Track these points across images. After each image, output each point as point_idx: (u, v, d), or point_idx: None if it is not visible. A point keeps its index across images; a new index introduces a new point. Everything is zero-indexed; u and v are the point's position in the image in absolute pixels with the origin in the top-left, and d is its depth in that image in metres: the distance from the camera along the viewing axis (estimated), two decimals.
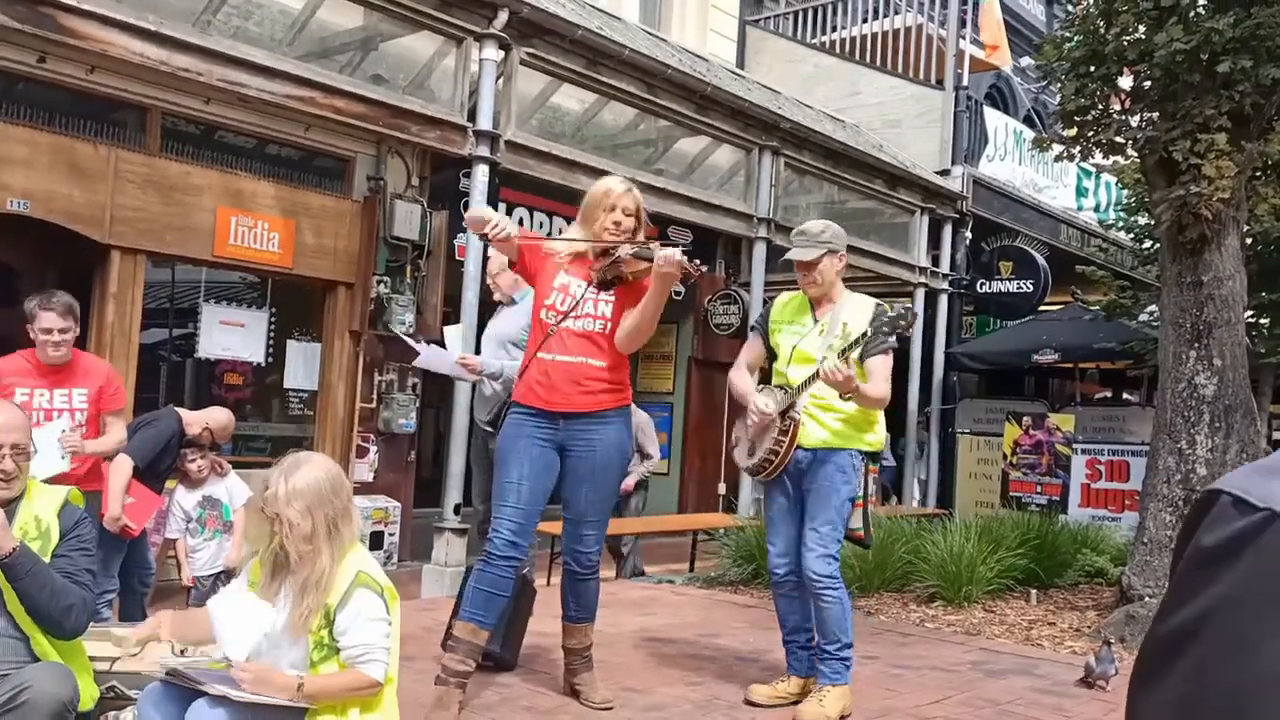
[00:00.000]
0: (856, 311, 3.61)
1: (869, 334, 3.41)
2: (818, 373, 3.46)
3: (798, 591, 3.68)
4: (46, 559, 2.55)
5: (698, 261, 3.34)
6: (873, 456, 3.68)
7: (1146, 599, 5.45)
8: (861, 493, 3.61)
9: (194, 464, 5.01)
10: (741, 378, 3.76)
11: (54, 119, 6.35)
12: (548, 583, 6.10)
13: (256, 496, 2.57)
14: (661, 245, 3.31)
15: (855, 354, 3.39)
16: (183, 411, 4.92)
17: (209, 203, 6.91)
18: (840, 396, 3.44)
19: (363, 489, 7.61)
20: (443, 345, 5.66)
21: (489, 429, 4.60)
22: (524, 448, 3.35)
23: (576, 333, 3.37)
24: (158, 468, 4.71)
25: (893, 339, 3.49)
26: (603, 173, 7.91)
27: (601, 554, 3.61)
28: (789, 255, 3.71)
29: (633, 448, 6.97)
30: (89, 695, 2.62)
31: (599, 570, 3.59)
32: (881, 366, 3.51)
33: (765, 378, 3.82)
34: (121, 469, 4.48)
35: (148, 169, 6.65)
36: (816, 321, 3.65)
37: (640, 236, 3.44)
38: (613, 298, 3.40)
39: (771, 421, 3.56)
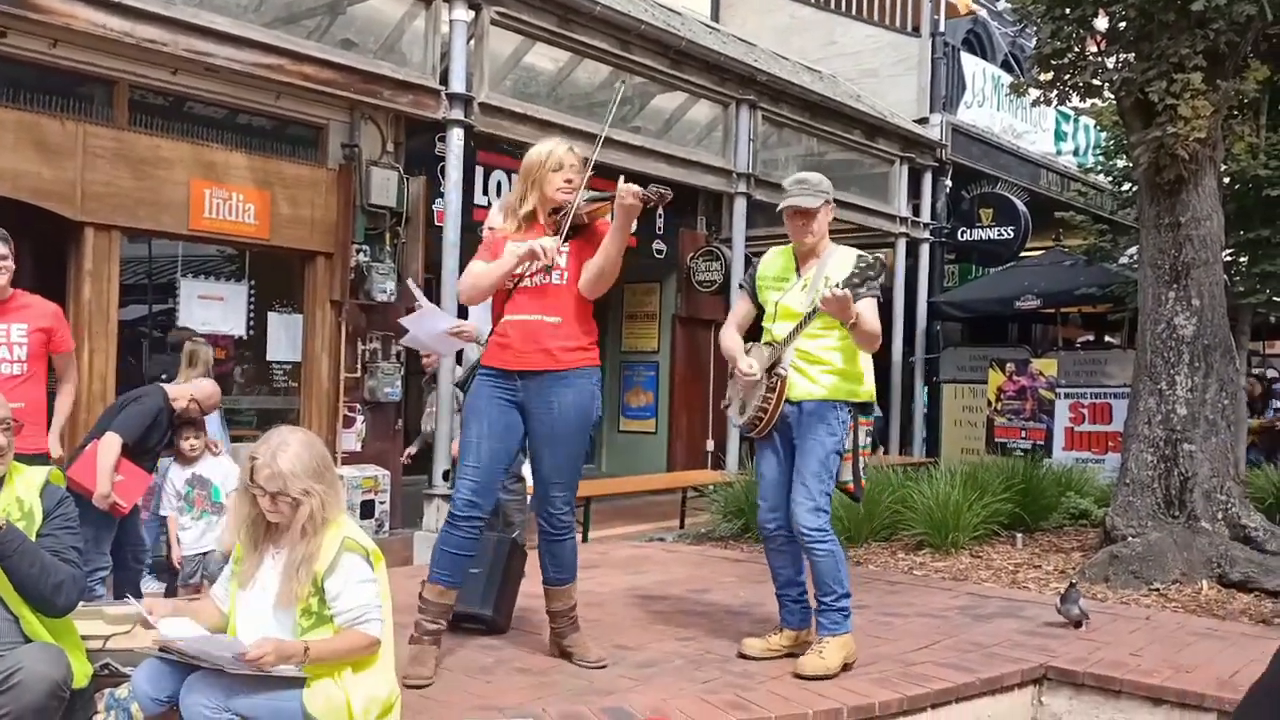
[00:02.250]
0: (840, 264, 3.59)
1: (854, 275, 3.37)
2: (800, 325, 3.47)
3: (788, 546, 3.70)
4: (32, 540, 2.55)
5: (655, 186, 3.30)
6: (863, 408, 3.66)
7: (1130, 539, 5.53)
8: (850, 445, 3.61)
9: (187, 442, 5.00)
10: (730, 337, 3.75)
11: (19, 95, 6.24)
12: None
13: (244, 477, 2.57)
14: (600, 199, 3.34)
15: (841, 286, 3.35)
16: (168, 387, 4.90)
17: (181, 176, 6.82)
18: (842, 324, 3.42)
19: (351, 458, 7.62)
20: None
21: (459, 391, 4.60)
22: (484, 408, 3.38)
23: (532, 290, 3.36)
24: (146, 444, 4.69)
25: (875, 288, 3.45)
26: (579, 132, 7.86)
27: (574, 514, 3.63)
28: (790, 202, 3.60)
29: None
30: (82, 673, 2.63)
31: (573, 530, 3.61)
32: (870, 308, 3.50)
33: (757, 335, 3.81)
34: (110, 446, 4.46)
35: (117, 143, 6.56)
36: (800, 276, 3.63)
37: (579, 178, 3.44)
38: (567, 248, 3.38)
39: (759, 379, 3.56)
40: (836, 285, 3.35)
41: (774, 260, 3.76)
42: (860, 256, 3.59)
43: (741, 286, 3.90)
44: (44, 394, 4.14)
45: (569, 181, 3.39)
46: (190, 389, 4.94)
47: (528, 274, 3.35)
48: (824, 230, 3.65)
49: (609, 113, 3.59)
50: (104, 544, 4.61)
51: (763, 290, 3.73)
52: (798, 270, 3.66)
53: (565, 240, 3.36)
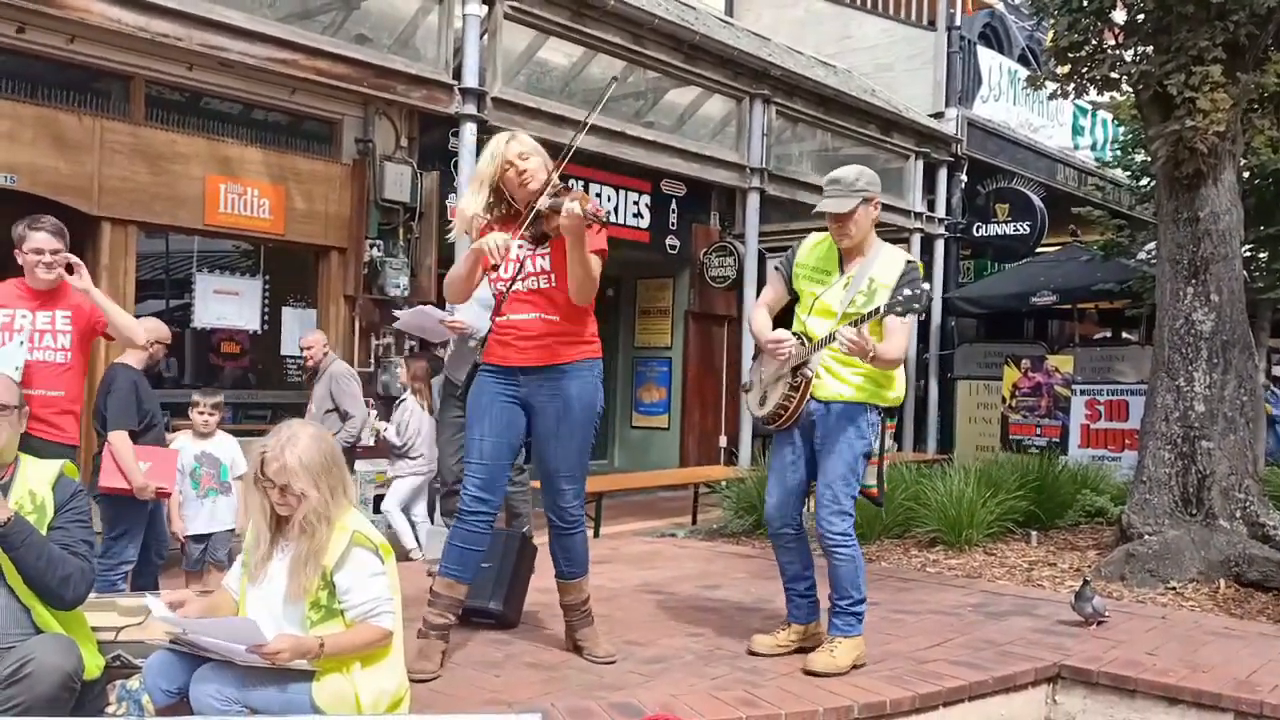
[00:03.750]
0: (887, 267, 3.46)
1: (883, 308, 3.27)
2: (826, 340, 3.37)
3: (795, 543, 3.66)
4: (43, 533, 2.56)
5: (594, 207, 3.18)
6: (889, 412, 3.57)
7: (1146, 537, 5.49)
8: (878, 449, 3.52)
9: (201, 416, 5.02)
10: (760, 317, 3.64)
11: (37, 91, 6.29)
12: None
13: (254, 471, 2.57)
14: (567, 193, 3.26)
15: (871, 320, 3.27)
16: (123, 357, 4.81)
17: (197, 171, 6.86)
18: (864, 359, 3.33)
19: (364, 453, 7.64)
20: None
21: (457, 392, 4.65)
22: (487, 404, 3.43)
23: (525, 292, 3.38)
24: (145, 418, 4.69)
25: (916, 306, 3.30)
26: (591, 126, 7.84)
27: (584, 507, 3.64)
28: (820, 208, 3.52)
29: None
30: (94, 665, 2.65)
31: (584, 523, 3.62)
32: (901, 326, 3.38)
33: (787, 319, 3.68)
34: (120, 443, 4.47)
35: (134, 138, 6.60)
36: (844, 273, 3.51)
37: (544, 170, 3.36)
38: (548, 250, 3.37)
39: (783, 374, 3.48)
40: (859, 321, 3.26)
41: (815, 249, 3.62)
42: (909, 262, 3.47)
43: (778, 269, 3.74)
44: (83, 386, 4.08)
45: (522, 173, 3.33)
46: (140, 340, 4.65)
47: (520, 278, 3.36)
48: (866, 228, 3.52)
49: (598, 104, 3.52)
50: (134, 539, 4.59)
51: (799, 278, 3.60)
52: (841, 266, 3.54)
53: (546, 243, 3.34)
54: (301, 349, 6.58)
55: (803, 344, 3.49)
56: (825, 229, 3.61)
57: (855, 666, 3.52)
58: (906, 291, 3.24)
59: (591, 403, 3.45)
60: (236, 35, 6.04)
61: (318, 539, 2.51)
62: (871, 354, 3.27)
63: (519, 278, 3.36)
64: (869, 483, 3.56)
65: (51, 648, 2.46)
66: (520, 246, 3.35)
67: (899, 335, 3.39)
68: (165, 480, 4.59)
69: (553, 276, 3.36)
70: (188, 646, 2.51)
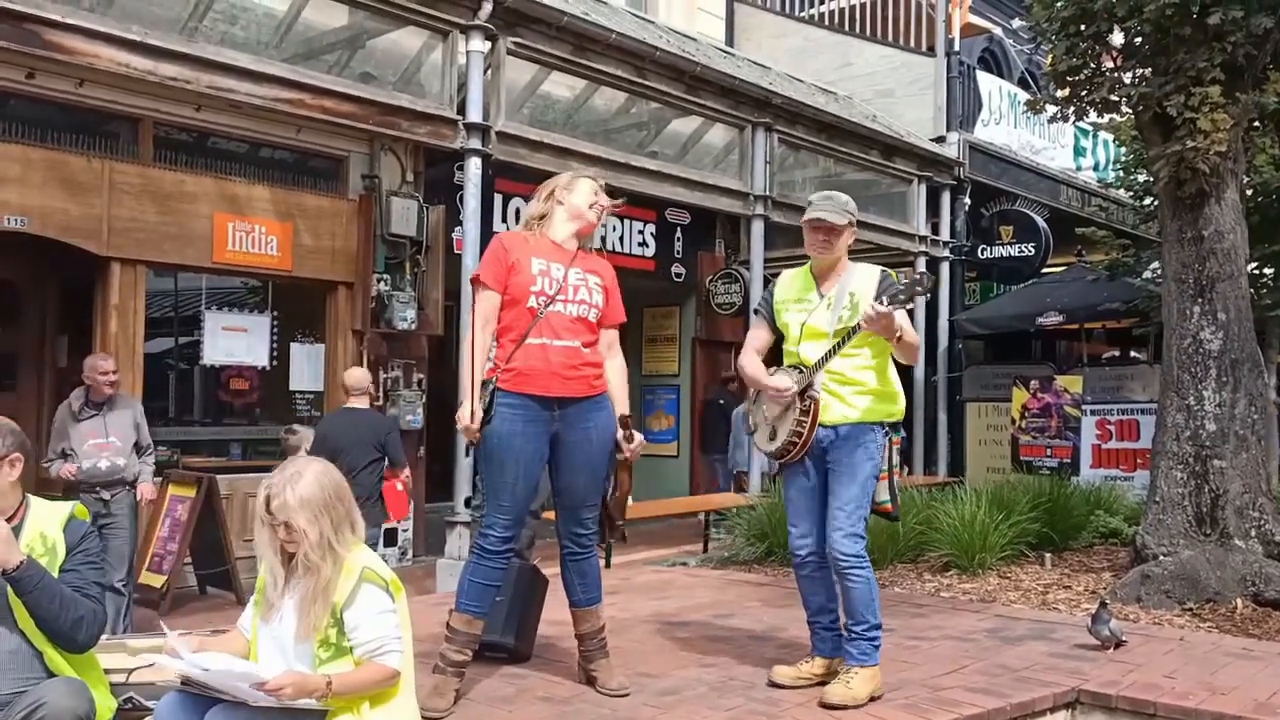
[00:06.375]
0: (864, 280, 3.54)
1: (894, 290, 3.36)
2: (838, 345, 3.44)
3: (820, 573, 3.63)
4: (54, 575, 2.56)
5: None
6: (894, 427, 3.60)
7: (1161, 558, 5.45)
8: (886, 465, 3.54)
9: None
10: (751, 362, 3.69)
11: (46, 134, 6.37)
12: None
13: (260, 508, 2.58)
14: None
15: (885, 302, 3.33)
16: (354, 402, 6.10)
17: (205, 210, 6.92)
18: (890, 339, 3.43)
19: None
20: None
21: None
22: (519, 445, 3.35)
23: (569, 317, 3.39)
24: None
25: (909, 300, 3.42)
26: (596, 159, 7.92)
27: (598, 530, 3.65)
28: (818, 215, 3.55)
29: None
30: (106, 707, 2.64)
31: (596, 547, 3.63)
32: (904, 318, 3.47)
33: (776, 359, 3.74)
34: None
35: (142, 179, 6.67)
36: (823, 296, 3.58)
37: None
38: (602, 282, 3.46)
39: (791, 402, 3.51)
40: (880, 300, 3.32)
41: (792, 282, 3.70)
42: (884, 272, 3.57)
43: (758, 311, 3.83)
44: None
45: (597, 205, 3.50)
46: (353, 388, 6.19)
47: (570, 300, 3.39)
48: (844, 250, 3.62)
49: None
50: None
51: (782, 313, 3.67)
52: (819, 289, 3.61)
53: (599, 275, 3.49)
54: (105, 372, 5.52)
55: (801, 372, 3.53)
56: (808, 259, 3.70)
57: (873, 698, 3.48)
58: (904, 282, 3.41)
59: (613, 432, 3.51)
60: (243, 76, 6.11)
61: (322, 576, 2.50)
62: (899, 334, 3.38)
63: (560, 297, 3.36)
64: (882, 499, 3.57)
65: (63, 691, 2.45)
66: (561, 268, 3.40)
67: (908, 322, 3.49)
68: (406, 509, 5.16)
69: (599, 310, 3.44)
70: (199, 688, 2.50)
